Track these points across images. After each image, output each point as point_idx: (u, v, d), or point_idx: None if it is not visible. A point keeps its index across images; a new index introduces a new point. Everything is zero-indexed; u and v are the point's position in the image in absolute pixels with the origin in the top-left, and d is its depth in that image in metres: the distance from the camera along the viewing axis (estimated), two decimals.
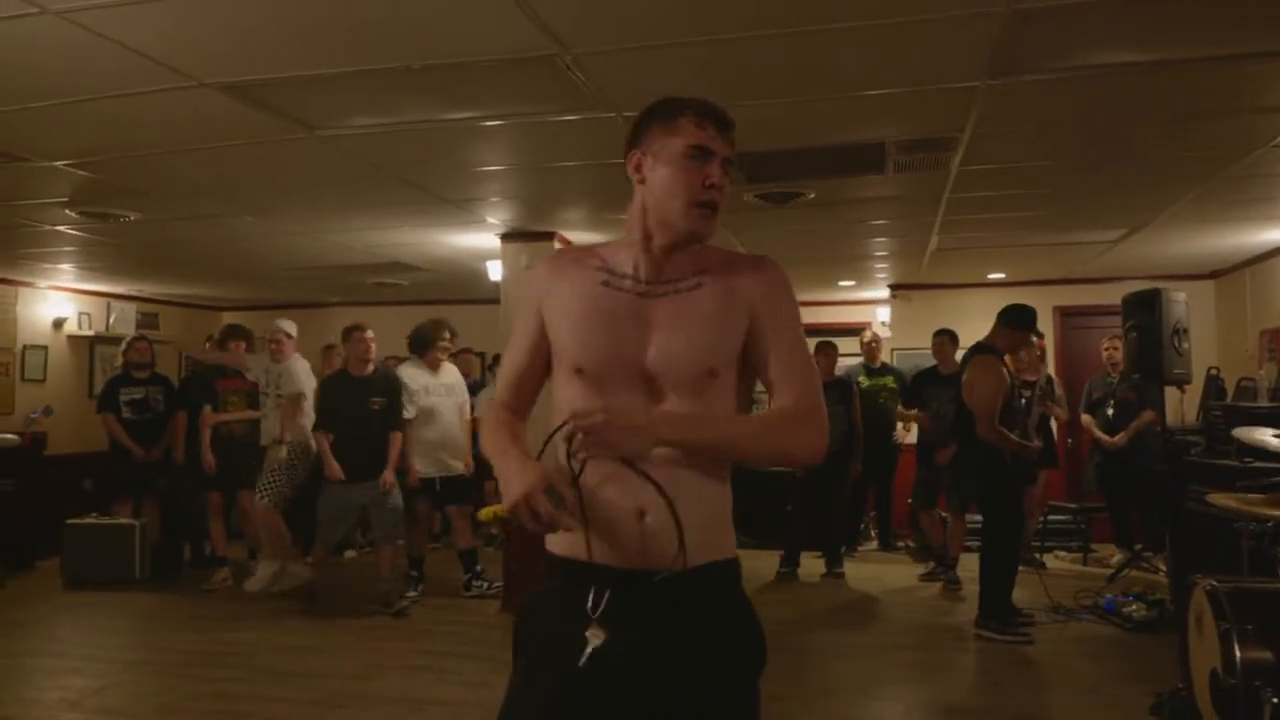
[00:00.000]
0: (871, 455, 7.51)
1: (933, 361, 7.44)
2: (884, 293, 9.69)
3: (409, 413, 6.17)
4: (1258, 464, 5.01)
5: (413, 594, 6.19)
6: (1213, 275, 8.78)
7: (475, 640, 5.31)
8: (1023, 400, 5.44)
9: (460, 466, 6.49)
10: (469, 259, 7.28)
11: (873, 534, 8.54)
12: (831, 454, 7.44)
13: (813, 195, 5.26)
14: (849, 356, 8.30)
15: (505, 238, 6.47)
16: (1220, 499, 3.84)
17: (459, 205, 5.58)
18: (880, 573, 7.36)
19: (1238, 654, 3.28)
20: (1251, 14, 2.90)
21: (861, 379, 7.85)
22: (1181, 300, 5.91)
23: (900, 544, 8.39)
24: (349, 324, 6.21)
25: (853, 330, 9.29)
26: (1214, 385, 7.36)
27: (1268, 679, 3.23)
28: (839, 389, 7.14)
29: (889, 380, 8.04)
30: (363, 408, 5.95)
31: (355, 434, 5.94)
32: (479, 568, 6.52)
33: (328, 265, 7.71)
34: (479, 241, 6.65)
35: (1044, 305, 9.11)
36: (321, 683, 4.59)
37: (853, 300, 10.28)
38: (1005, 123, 4.00)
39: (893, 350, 9.13)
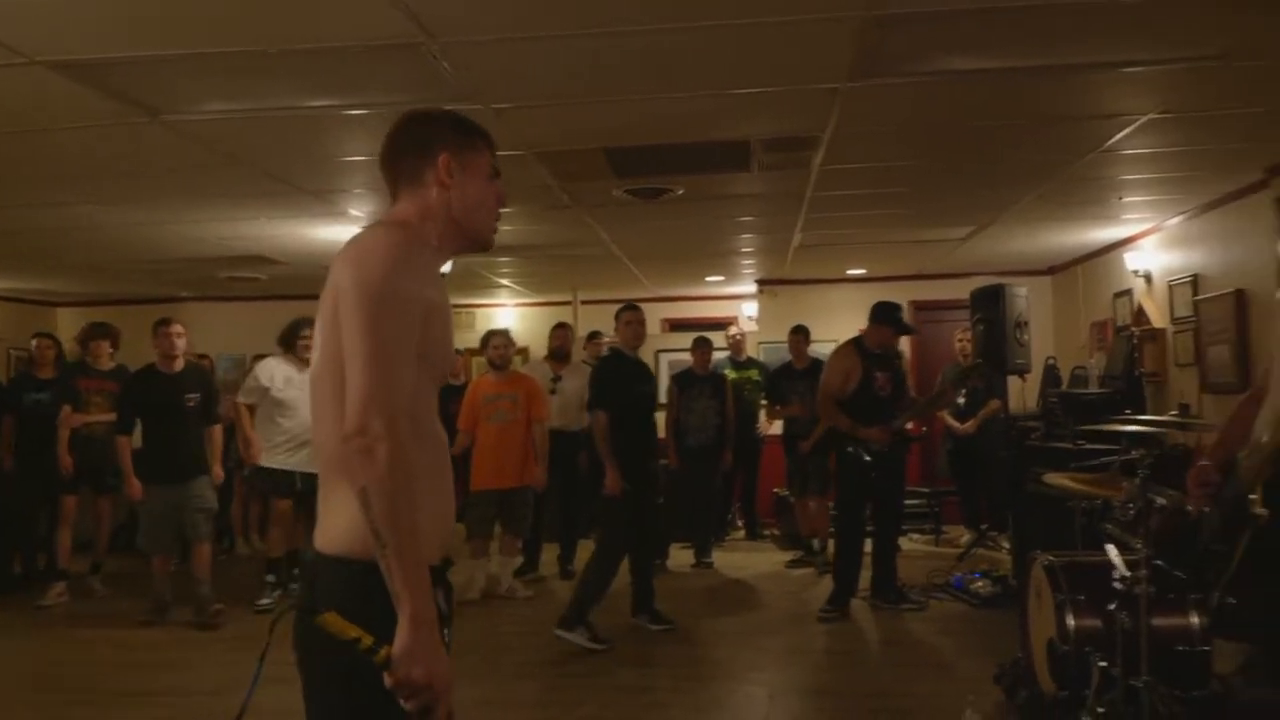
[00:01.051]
0: (737, 446, 7.69)
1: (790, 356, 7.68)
2: (751, 288, 9.93)
3: (248, 399, 6.05)
4: (1090, 446, 5.38)
5: (266, 601, 5.90)
6: (1050, 271, 9.36)
7: None
8: (881, 390, 5.64)
9: None
10: (331, 253, 7.04)
11: (739, 524, 8.75)
12: (705, 447, 7.57)
13: (681, 191, 5.35)
14: (717, 350, 8.48)
15: None
16: (1055, 479, 4.10)
17: (320, 197, 5.42)
18: (748, 561, 7.55)
19: (1070, 623, 3.53)
20: (1090, 27, 3.11)
21: (728, 372, 8.03)
22: (1023, 295, 6.29)
23: (766, 532, 8.63)
24: (157, 318, 5.91)
25: (721, 324, 9.49)
26: (1051, 374, 7.85)
27: (1097, 644, 3.48)
28: (712, 383, 7.34)
29: (754, 374, 8.26)
30: (175, 405, 5.68)
31: (170, 433, 5.66)
32: (272, 578, 6.09)
33: (177, 258, 7.35)
34: (341, 234, 6.47)
35: (900, 299, 9.45)
36: (172, 702, 4.36)
37: (721, 295, 10.50)
38: (865, 124, 4.17)
39: (759, 344, 9.36)
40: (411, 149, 1.78)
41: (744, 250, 7.92)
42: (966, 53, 3.33)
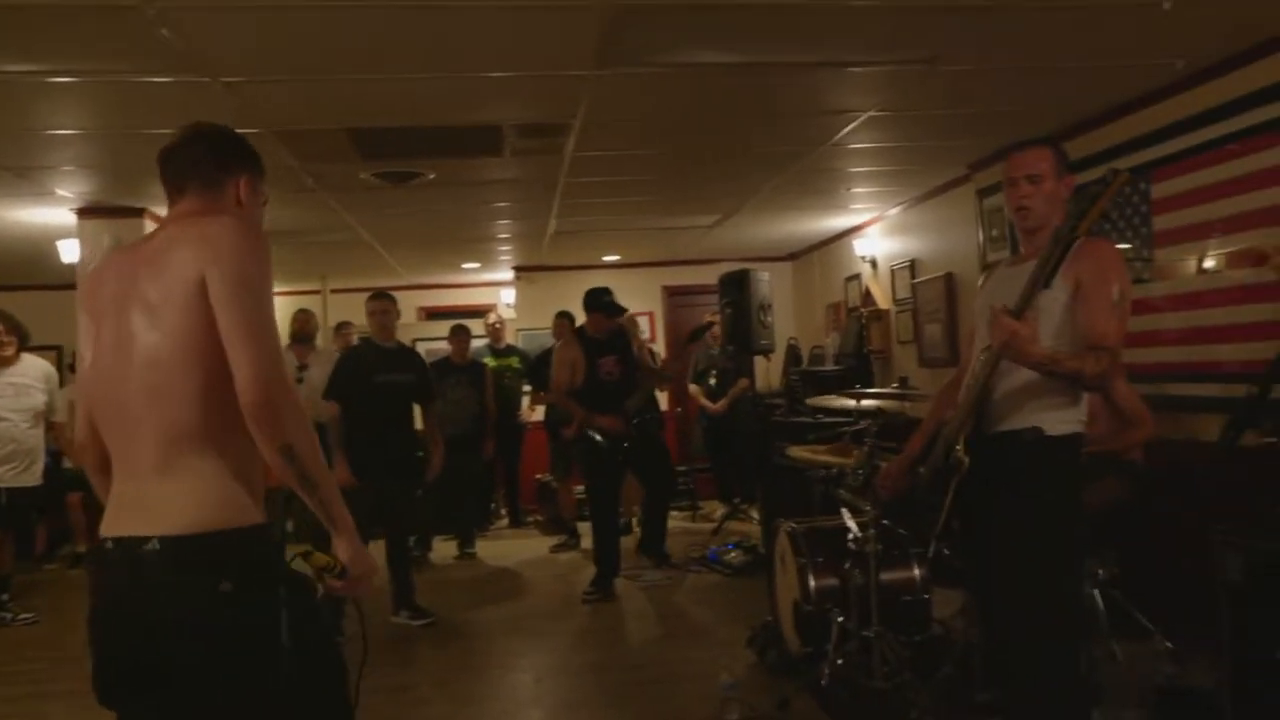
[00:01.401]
0: (499, 434, 7.67)
1: (553, 341, 7.73)
2: (508, 274, 9.90)
3: None
4: (827, 420, 5.80)
5: None
6: (790, 257, 9.99)
7: (62, 677, 4.63)
8: (608, 376, 5.76)
9: (32, 478, 5.64)
10: (35, 237, 6.33)
11: (503, 512, 8.73)
12: (464, 436, 7.45)
13: (432, 176, 5.23)
14: (476, 338, 8.39)
15: (83, 213, 5.72)
16: (795, 451, 4.41)
17: (19, 174, 4.84)
18: (513, 549, 7.55)
19: (812, 584, 3.80)
20: (818, 27, 3.32)
21: (488, 360, 7.98)
22: (766, 279, 6.68)
23: (530, 519, 8.66)
24: None
25: (479, 312, 9.39)
26: (793, 353, 8.38)
27: (835, 602, 3.78)
28: (470, 372, 7.30)
29: (514, 361, 8.25)
30: None
31: None
32: (5, 596, 5.66)
33: None
34: (48, 217, 5.82)
35: (653, 284, 9.87)
36: None
37: (478, 282, 10.39)
38: (614, 112, 4.24)
39: (518, 331, 9.36)
40: (213, 159, 1.93)
41: (500, 237, 7.87)
42: (706, 46, 3.47)
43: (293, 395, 1.75)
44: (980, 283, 3.03)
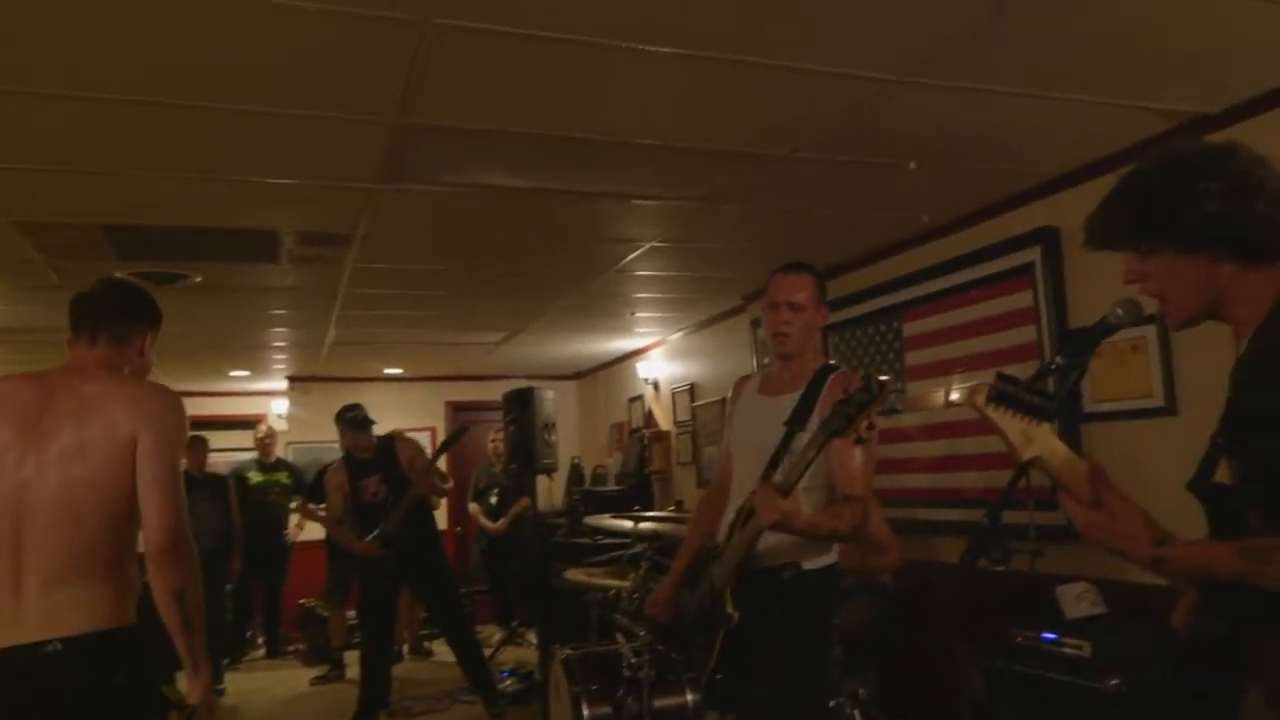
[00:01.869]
0: (261, 555, 7.14)
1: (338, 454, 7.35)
2: (282, 384, 9.42)
3: None
4: (606, 540, 5.80)
5: None
6: (576, 376, 10.11)
7: None
8: (372, 497, 5.55)
9: None
10: None
11: (260, 641, 8.05)
12: (206, 554, 6.91)
13: (199, 279, 4.94)
14: (242, 451, 7.88)
15: None
16: (573, 574, 4.35)
17: None
18: (269, 681, 6.95)
19: (585, 713, 3.71)
20: (608, 160, 3.44)
21: (253, 474, 7.48)
22: (550, 397, 6.70)
23: (291, 649, 8.03)
24: None
25: (247, 423, 8.85)
26: (576, 472, 8.40)
27: None
28: (212, 486, 6.80)
29: (283, 476, 7.78)
30: None
31: None
32: None
33: None
34: None
35: (438, 399, 9.69)
36: None
37: (247, 391, 9.82)
38: (399, 225, 4.19)
39: (289, 444, 8.86)
40: (128, 313, 2.38)
41: (275, 345, 7.50)
42: (495, 170, 3.52)
43: (191, 547, 2.15)
44: (731, 394, 3.12)
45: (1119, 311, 1.65)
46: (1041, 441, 1.54)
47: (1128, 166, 1.68)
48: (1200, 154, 1.55)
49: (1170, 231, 1.54)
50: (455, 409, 9.89)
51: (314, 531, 7.87)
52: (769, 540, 2.63)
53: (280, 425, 9.05)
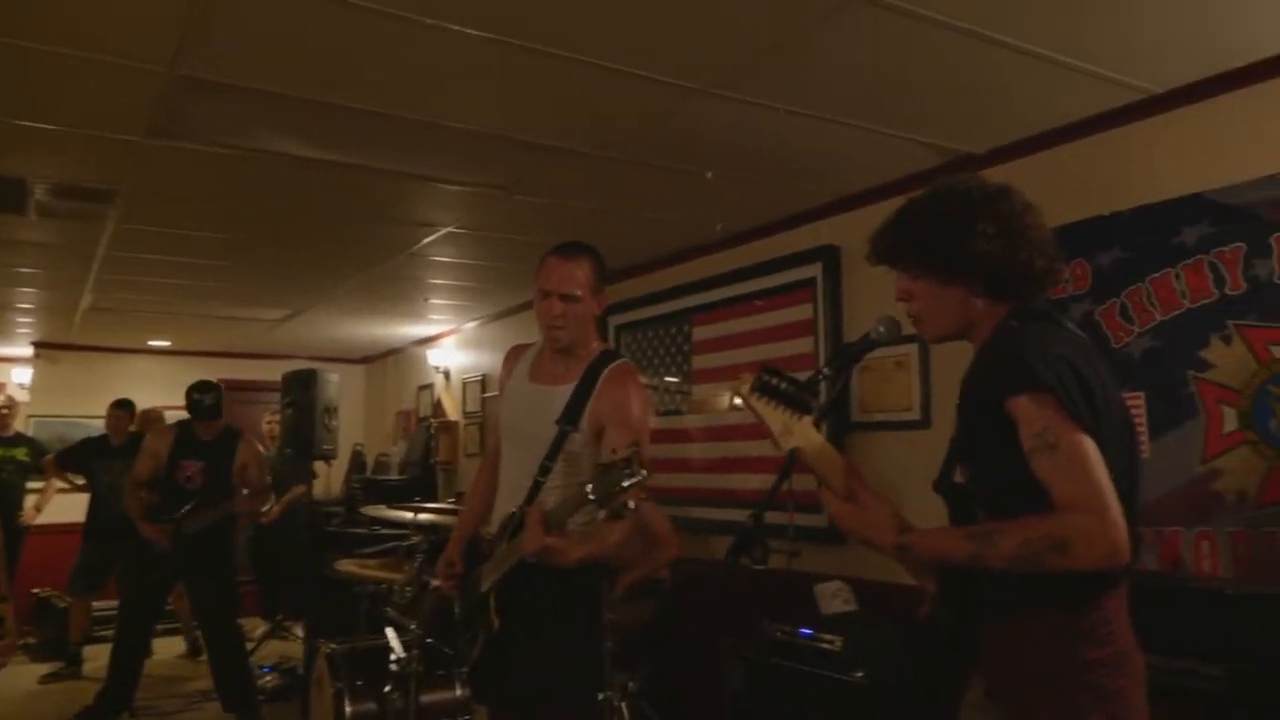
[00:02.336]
0: None
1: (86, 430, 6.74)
2: (26, 350, 8.52)
3: None
4: (384, 532, 5.62)
5: None
6: (364, 360, 9.76)
7: None
8: (187, 482, 5.12)
9: None
10: None
11: None
12: None
13: None
14: None
15: None
16: (345, 565, 4.19)
17: None
18: None
19: (347, 709, 3.57)
20: (401, 137, 3.32)
21: None
22: (334, 381, 6.43)
23: (20, 642, 7.27)
24: None
25: None
26: (357, 460, 8.10)
27: None
28: None
29: (20, 452, 7.02)
30: None
31: None
32: None
33: None
34: None
35: (209, 377, 9.04)
36: None
37: None
38: (171, 187, 3.88)
39: (29, 418, 8.04)
40: None
41: (19, 306, 6.77)
42: (282, 135, 3.32)
43: None
44: (504, 363, 2.90)
45: (880, 329, 1.77)
46: (800, 433, 1.63)
47: (904, 194, 1.81)
48: (981, 193, 1.68)
49: (939, 261, 1.66)
50: (229, 388, 9.26)
51: (55, 514, 7.16)
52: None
53: (21, 396, 8.19)
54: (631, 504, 2.10)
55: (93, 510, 6.50)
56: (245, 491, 5.13)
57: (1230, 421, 2.70)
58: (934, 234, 1.67)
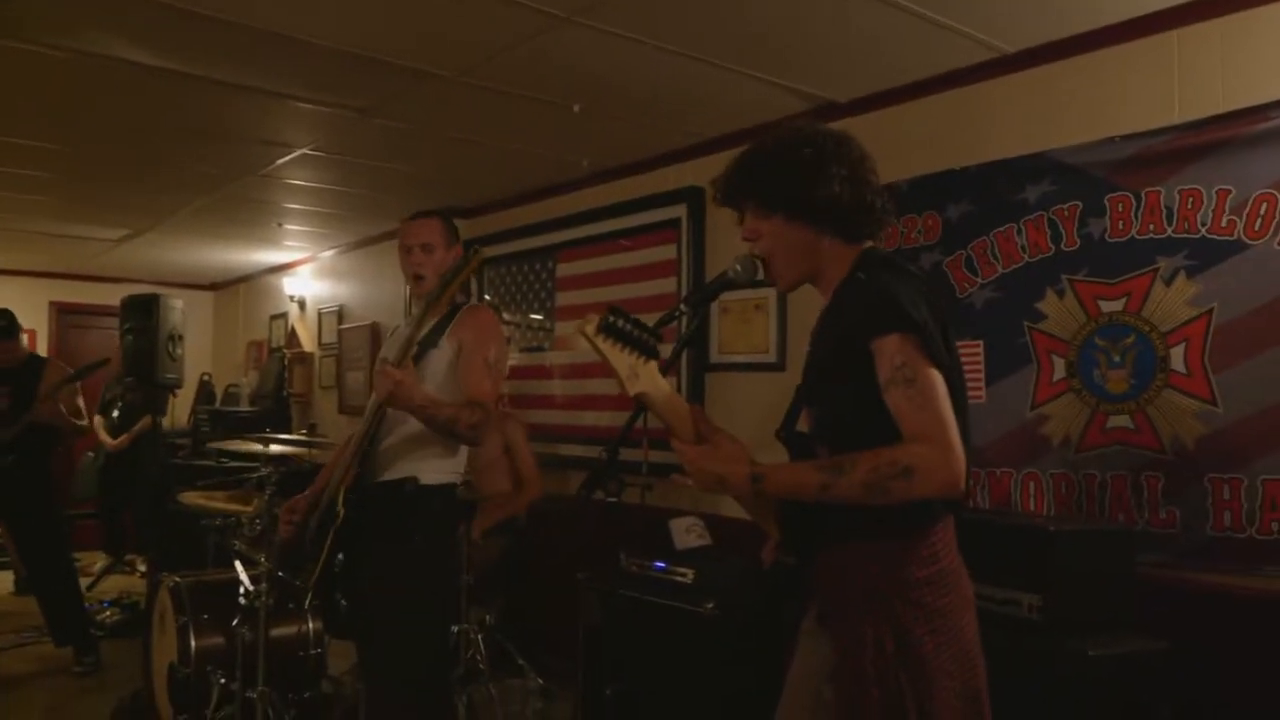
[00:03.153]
0: None
1: None
2: None
3: None
4: (233, 464, 5.43)
5: None
6: (213, 287, 9.29)
7: None
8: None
9: None
10: None
11: None
12: None
13: None
14: None
15: None
16: (190, 497, 4.03)
17: None
18: None
19: (193, 644, 3.47)
20: (253, 50, 3.13)
21: None
22: (179, 307, 6.09)
23: None
24: None
25: None
26: (206, 390, 7.76)
27: (219, 662, 3.48)
28: None
29: None
30: None
31: None
32: None
33: None
34: None
35: (41, 298, 8.46)
36: None
37: None
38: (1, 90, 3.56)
39: None
40: None
41: None
42: (120, 39, 3.08)
43: None
44: (387, 335, 3.16)
45: (737, 267, 1.80)
46: (647, 378, 1.63)
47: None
48: (830, 138, 1.73)
49: (793, 200, 1.69)
50: (61, 310, 8.70)
51: None
52: (389, 454, 2.65)
53: None
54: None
55: None
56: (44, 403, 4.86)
57: (1059, 370, 2.89)
58: (789, 175, 1.70)
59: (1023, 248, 2.98)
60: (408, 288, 2.99)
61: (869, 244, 1.75)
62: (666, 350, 1.76)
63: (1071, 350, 2.86)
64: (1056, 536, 2.40)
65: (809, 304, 1.86)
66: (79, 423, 5.11)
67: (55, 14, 2.89)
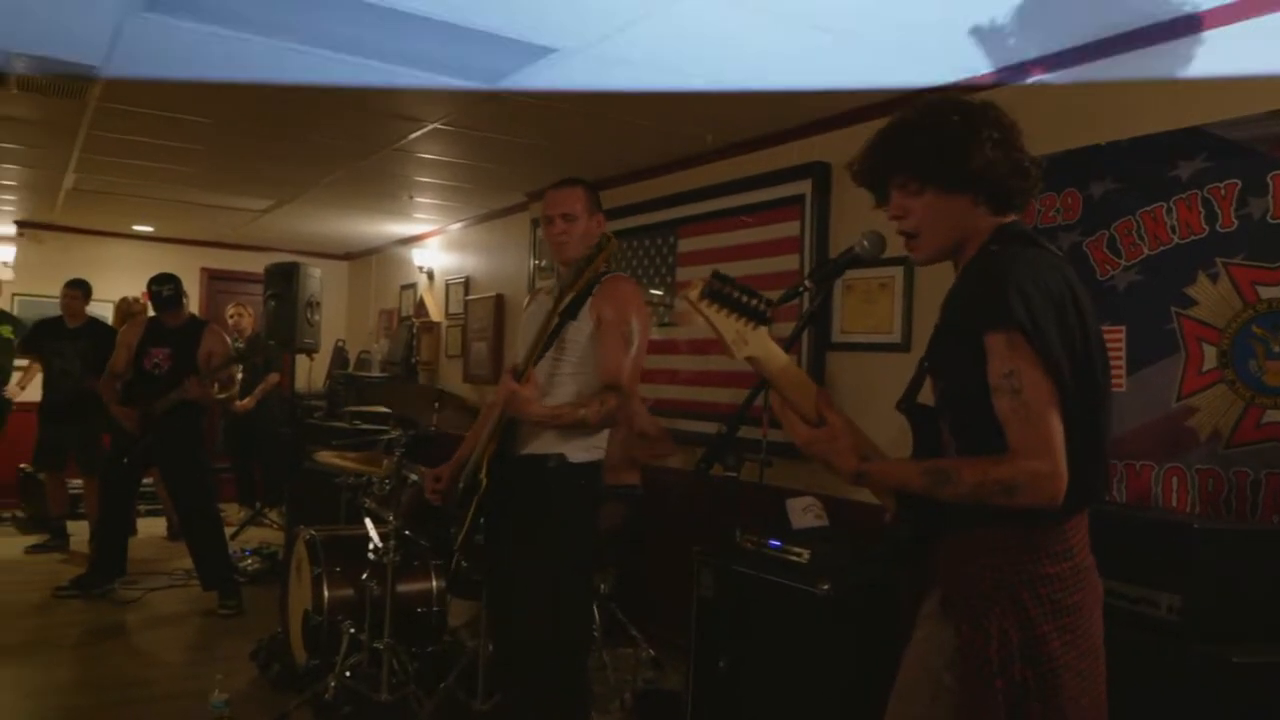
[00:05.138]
0: None
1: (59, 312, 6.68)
2: (9, 229, 8.40)
3: None
4: (364, 426, 5.67)
5: None
6: (347, 257, 9.68)
7: None
8: (155, 369, 5.20)
9: None
10: None
11: None
12: None
13: None
14: None
15: None
16: (325, 456, 4.23)
17: None
18: None
19: (326, 593, 3.66)
20: (394, 32, 3.22)
21: None
22: (317, 275, 6.35)
23: (7, 515, 7.38)
24: None
25: None
26: (340, 355, 8.11)
27: (349, 613, 3.66)
28: None
29: (6, 330, 7.02)
30: None
31: None
32: None
33: None
34: None
35: (193, 264, 8.99)
36: None
37: None
38: (153, 65, 3.77)
39: (14, 296, 7.99)
40: None
41: (3, 183, 6.64)
42: (263, 19, 3.21)
43: None
44: (525, 303, 3.16)
45: (865, 243, 1.76)
46: (757, 344, 1.61)
47: (894, 111, 1.77)
48: (975, 105, 1.66)
49: (946, 171, 1.63)
50: (211, 276, 9.23)
51: (39, 392, 7.18)
52: (535, 429, 2.68)
53: (5, 274, 8.11)
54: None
55: (45, 392, 6.51)
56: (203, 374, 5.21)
57: (1210, 359, 2.72)
58: (941, 144, 1.64)
59: (1172, 228, 2.82)
60: (533, 262, 3.03)
61: (1011, 218, 1.68)
62: (786, 326, 1.74)
63: (1225, 338, 2.69)
64: (1203, 535, 2.27)
65: (937, 283, 1.81)
66: (220, 396, 5.50)
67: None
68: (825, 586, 3.01)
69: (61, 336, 6.38)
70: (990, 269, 1.58)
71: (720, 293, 1.57)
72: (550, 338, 2.62)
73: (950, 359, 1.65)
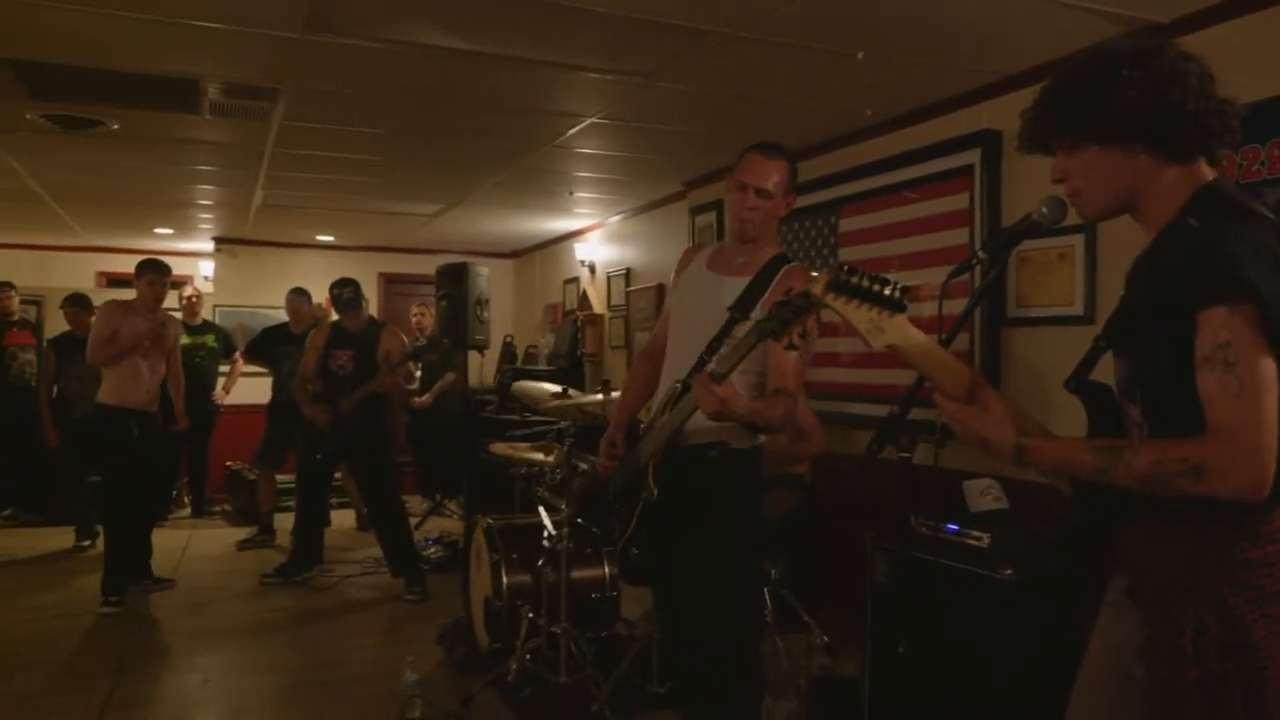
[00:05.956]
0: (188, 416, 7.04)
1: (266, 320, 7.25)
2: (207, 245, 9.13)
3: None
4: (534, 418, 5.84)
5: None
6: (512, 254, 9.99)
7: None
8: (340, 370, 5.59)
9: None
10: None
11: (186, 500, 8.04)
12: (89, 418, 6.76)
13: (116, 126, 4.69)
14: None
15: None
16: (499, 447, 4.39)
17: None
18: (193, 540, 6.97)
19: (504, 580, 3.80)
20: (543, 24, 3.31)
21: (183, 338, 7.32)
22: (484, 274, 6.59)
23: (217, 509, 8.05)
24: None
25: (174, 283, 8.59)
26: (508, 351, 8.39)
27: (526, 598, 3.79)
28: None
29: (209, 339, 7.66)
30: None
31: None
32: None
33: None
34: None
35: (370, 270, 9.50)
36: None
37: (173, 251, 9.50)
38: (328, 82, 4.00)
39: (214, 307, 8.67)
40: None
41: (200, 203, 7.23)
42: (428, 26, 3.35)
43: None
44: (679, 263, 2.98)
45: (1043, 209, 1.67)
46: (894, 331, 1.55)
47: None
48: (1125, 47, 1.54)
49: (1091, 123, 1.53)
50: (387, 280, 9.73)
51: (242, 395, 7.80)
52: (697, 419, 2.61)
53: (206, 288, 8.83)
54: (804, 334, 2.00)
55: (274, 393, 7.04)
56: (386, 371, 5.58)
57: None
58: (1079, 95, 1.53)
59: None
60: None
61: (1211, 177, 1.53)
62: (927, 307, 1.66)
63: None
64: None
65: (1122, 251, 1.69)
66: (410, 387, 5.84)
67: (373, 10, 3.19)
68: (1008, 572, 2.89)
69: (288, 341, 6.89)
70: (1198, 240, 1.44)
71: (847, 284, 1.52)
72: (722, 333, 2.54)
73: (1146, 337, 1.52)
